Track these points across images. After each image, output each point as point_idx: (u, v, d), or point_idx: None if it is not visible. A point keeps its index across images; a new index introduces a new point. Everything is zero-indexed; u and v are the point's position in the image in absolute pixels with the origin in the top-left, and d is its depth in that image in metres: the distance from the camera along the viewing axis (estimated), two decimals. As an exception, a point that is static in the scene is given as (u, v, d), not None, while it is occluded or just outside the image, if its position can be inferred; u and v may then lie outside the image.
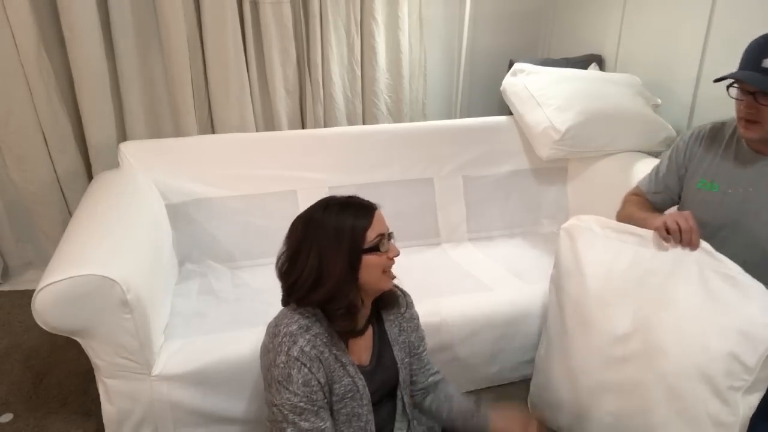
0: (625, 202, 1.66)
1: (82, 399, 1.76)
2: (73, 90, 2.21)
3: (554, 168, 2.39)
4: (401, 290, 1.33)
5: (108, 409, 1.44)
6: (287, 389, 1.09)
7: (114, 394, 1.42)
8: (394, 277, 1.19)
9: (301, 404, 1.09)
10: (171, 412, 1.46)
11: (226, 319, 1.68)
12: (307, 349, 1.10)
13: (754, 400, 1.22)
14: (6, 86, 2.10)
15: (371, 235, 1.13)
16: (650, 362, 1.31)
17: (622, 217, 1.60)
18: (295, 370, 1.09)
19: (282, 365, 1.09)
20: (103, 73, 2.19)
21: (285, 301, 1.20)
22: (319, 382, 1.11)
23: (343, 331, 1.17)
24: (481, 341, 1.74)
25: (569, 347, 1.51)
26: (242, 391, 1.50)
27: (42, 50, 2.08)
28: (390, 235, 1.17)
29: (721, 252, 1.33)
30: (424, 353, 1.34)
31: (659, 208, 1.60)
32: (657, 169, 1.63)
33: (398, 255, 1.17)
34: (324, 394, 1.13)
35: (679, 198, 1.59)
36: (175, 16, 2.16)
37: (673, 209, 1.59)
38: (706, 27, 2.09)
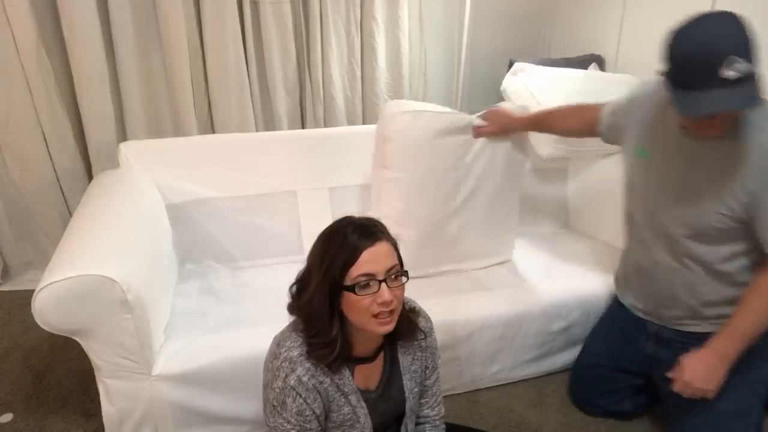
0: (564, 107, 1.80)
1: (82, 399, 1.76)
2: (73, 90, 2.21)
3: (554, 168, 2.39)
4: (423, 315, 1.26)
5: (108, 409, 1.44)
6: (281, 415, 1.08)
7: (114, 394, 1.42)
8: (388, 323, 1.06)
9: (294, 431, 1.08)
10: (171, 412, 1.46)
11: (226, 319, 1.68)
12: (305, 379, 1.06)
13: None
14: (6, 86, 2.10)
15: (354, 273, 1.03)
16: None
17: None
18: (290, 399, 1.06)
19: (278, 390, 1.07)
20: (103, 73, 2.19)
21: (288, 307, 1.16)
22: (314, 413, 1.08)
23: (352, 356, 1.13)
24: (481, 341, 1.74)
25: None
26: (242, 391, 1.50)
27: (42, 50, 2.08)
28: (391, 278, 1.05)
29: (634, 216, 1.53)
30: (433, 386, 1.28)
31: (606, 141, 1.67)
32: (614, 106, 1.61)
33: (388, 302, 1.03)
34: (319, 423, 1.10)
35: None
36: (175, 16, 2.16)
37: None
38: (706, 27, 2.09)
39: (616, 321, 1.69)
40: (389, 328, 1.07)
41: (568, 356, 1.89)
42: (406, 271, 1.10)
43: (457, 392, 1.80)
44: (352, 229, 1.06)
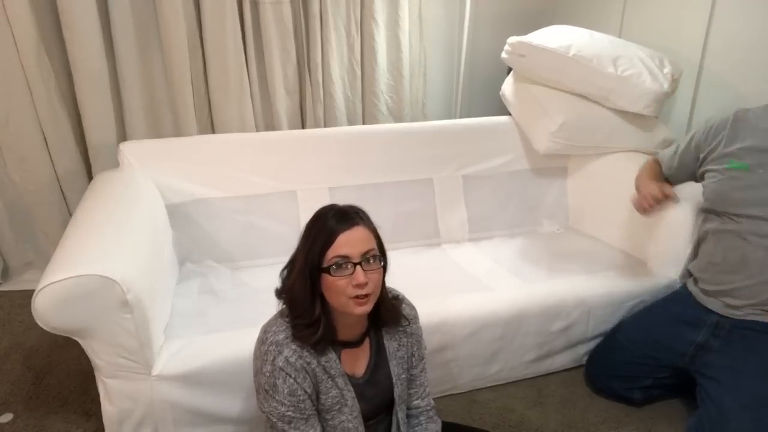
0: (645, 165, 1.89)
1: (82, 399, 1.76)
2: (73, 90, 2.21)
3: (554, 168, 2.39)
4: (407, 303, 1.28)
5: (108, 409, 1.44)
6: (274, 398, 1.09)
7: (114, 394, 1.42)
8: (364, 304, 1.09)
9: (289, 413, 1.09)
10: (171, 412, 1.46)
11: (226, 319, 1.68)
12: (292, 359, 1.09)
13: None
14: (6, 86, 2.10)
15: (330, 255, 1.07)
16: None
17: (638, 177, 1.87)
18: (280, 380, 1.08)
19: (268, 374, 1.09)
20: (103, 73, 2.19)
21: (276, 292, 1.19)
22: (306, 392, 1.10)
23: (337, 340, 1.15)
24: (481, 341, 1.74)
25: None
26: (242, 391, 1.50)
27: (42, 50, 2.08)
28: (366, 261, 1.08)
29: (745, 226, 1.54)
30: (421, 375, 1.30)
31: (673, 183, 1.82)
32: (677, 148, 1.79)
33: (363, 284, 1.07)
34: (312, 402, 1.12)
35: (697, 177, 1.74)
36: (175, 16, 2.15)
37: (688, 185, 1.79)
38: (705, 28, 2.09)
39: (671, 309, 1.70)
40: (365, 309, 1.10)
41: (567, 356, 1.89)
42: (384, 257, 1.13)
43: (456, 392, 1.80)
44: (332, 214, 1.11)
